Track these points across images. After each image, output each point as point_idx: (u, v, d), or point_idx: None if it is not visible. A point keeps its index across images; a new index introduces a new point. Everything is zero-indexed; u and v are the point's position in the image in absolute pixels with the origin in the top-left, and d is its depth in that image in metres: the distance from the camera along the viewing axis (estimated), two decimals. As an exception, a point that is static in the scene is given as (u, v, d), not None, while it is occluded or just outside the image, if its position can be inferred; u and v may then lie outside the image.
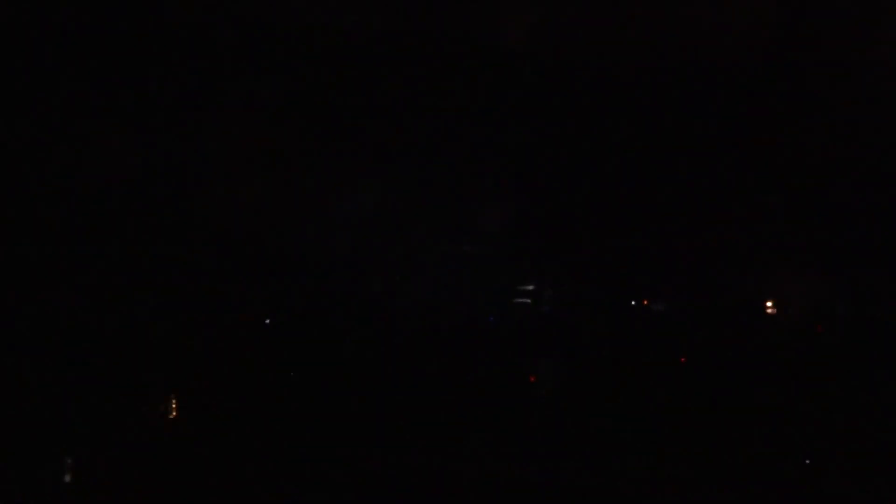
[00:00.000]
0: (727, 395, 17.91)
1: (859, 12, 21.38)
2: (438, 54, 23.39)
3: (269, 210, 22.96)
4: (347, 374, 19.16)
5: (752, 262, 23.12)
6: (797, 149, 22.82)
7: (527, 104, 23.77)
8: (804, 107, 22.55)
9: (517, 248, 24.16)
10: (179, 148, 23.05)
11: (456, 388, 18.68)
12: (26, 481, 13.55)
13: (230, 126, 22.69)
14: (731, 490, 13.92)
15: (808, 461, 14.86)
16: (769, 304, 22.84)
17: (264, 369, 19.26)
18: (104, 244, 22.12)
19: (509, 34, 23.12)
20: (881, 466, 14.37)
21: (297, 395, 17.97)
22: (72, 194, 22.24)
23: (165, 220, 22.92)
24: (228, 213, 22.63)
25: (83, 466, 13.95)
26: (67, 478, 13.66)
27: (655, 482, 14.20)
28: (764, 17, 21.26)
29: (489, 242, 24.20)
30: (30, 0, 21.89)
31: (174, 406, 17.08)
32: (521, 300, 23.66)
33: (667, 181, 23.81)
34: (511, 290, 23.75)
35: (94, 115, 22.30)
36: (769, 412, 16.80)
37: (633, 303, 23.41)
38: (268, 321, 22.67)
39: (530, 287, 23.76)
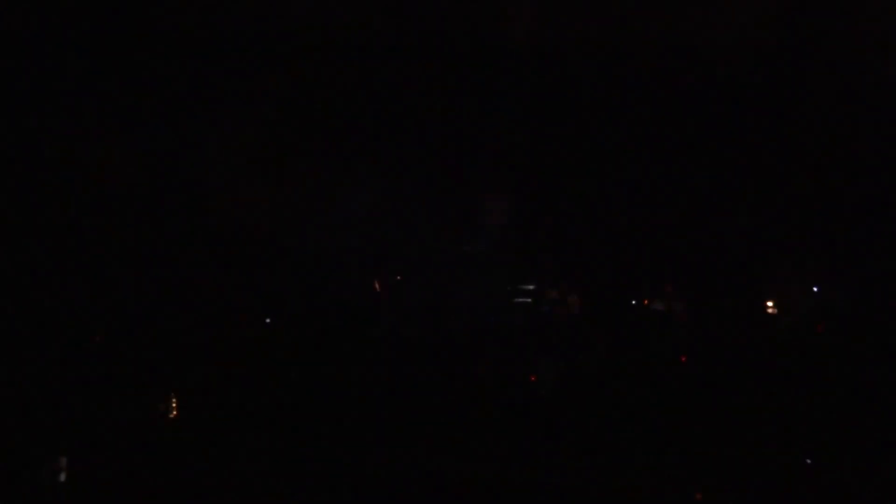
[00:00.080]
0: (727, 395, 17.91)
1: (859, 12, 21.40)
2: (439, 54, 23.41)
3: (270, 210, 22.99)
4: (347, 374, 19.16)
5: (752, 262, 23.13)
6: (798, 149, 22.85)
7: (527, 104, 23.79)
8: (804, 107, 22.58)
9: (517, 248, 24.17)
10: (179, 148, 23.07)
11: (456, 388, 18.68)
12: (25, 481, 13.54)
13: (230, 126, 22.71)
14: (732, 490, 13.90)
15: (808, 461, 14.84)
16: (769, 303, 22.84)
17: (264, 369, 19.27)
18: (104, 243, 22.15)
19: (510, 34, 23.15)
20: (881, 466, 14.35)
21: (298, 395, 17.96)
22: (72, 194, 22.27)
23: (165, 220, 22.96)
24: (229, 213, 22.66)
25: (83, 466, 13.94)
26: (66, 478, 13.64)
27: (655, 482, 14.19)
28: (765, 15, 21.27)
29: (489, 242, 24.22)
30: (30, 0, 21.92)
31: (174, 406, 17.07)
32: (521, 300, 23.66)
33: (667, 181, 23.84)
34: (511, 290, 23.75)
35: (95, 116, 22.32)
36: (769, 412, 16.79)
37: (633, 302, 23.42)
38: (268, 321, 22.69)
39: (530, 287, 23.76)
